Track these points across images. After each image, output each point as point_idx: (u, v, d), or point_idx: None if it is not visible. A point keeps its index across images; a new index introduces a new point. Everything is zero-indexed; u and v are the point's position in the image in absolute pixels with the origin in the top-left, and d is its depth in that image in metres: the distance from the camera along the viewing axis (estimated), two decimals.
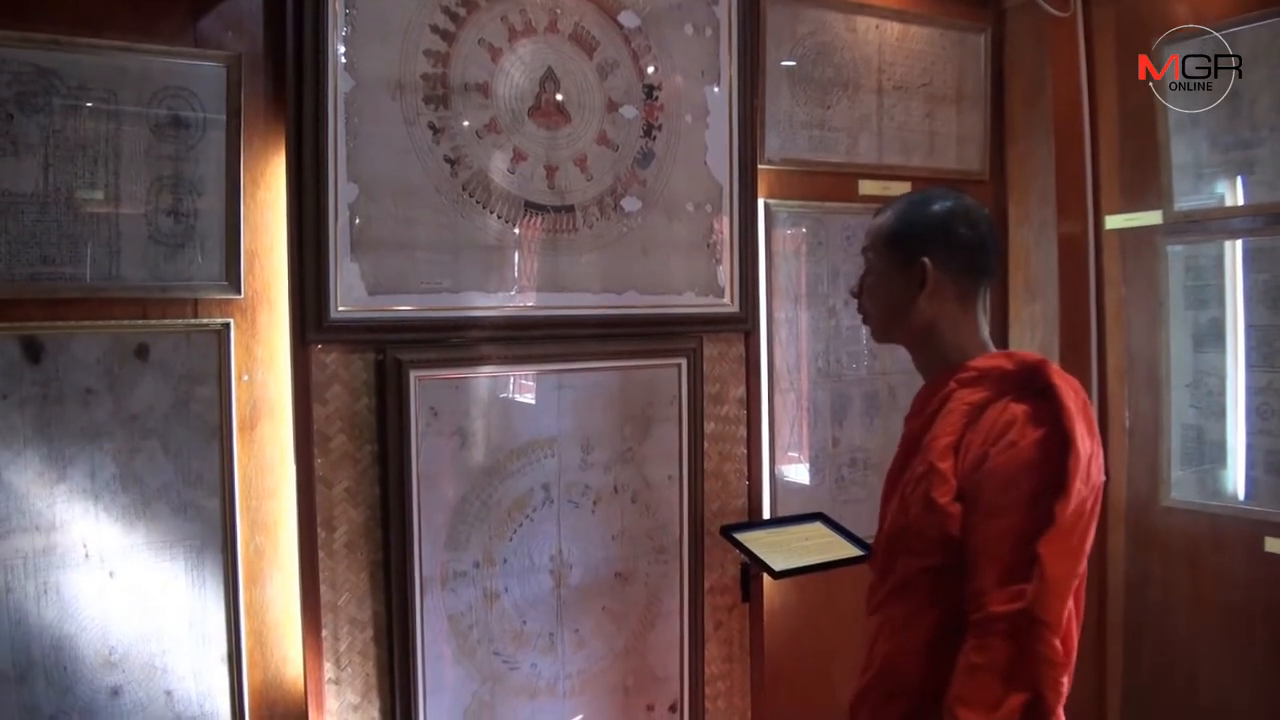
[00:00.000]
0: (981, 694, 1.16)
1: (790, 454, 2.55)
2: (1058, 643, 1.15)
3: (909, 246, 1.39)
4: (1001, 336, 2.88)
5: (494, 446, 2.04)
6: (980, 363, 1.34)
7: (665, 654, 2.26)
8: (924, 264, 1.37)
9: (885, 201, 1.52)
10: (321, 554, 1.88)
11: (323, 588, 1.88)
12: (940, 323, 1.39)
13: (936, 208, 1.40)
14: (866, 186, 2.66)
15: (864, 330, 2.59)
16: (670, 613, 2.26)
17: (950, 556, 1.25)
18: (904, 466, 1.40)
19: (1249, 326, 2.56)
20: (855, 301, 1.52)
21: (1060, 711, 1.19)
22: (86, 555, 1.74)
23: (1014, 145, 2.90)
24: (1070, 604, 1.20)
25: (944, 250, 1.38)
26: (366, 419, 1.92)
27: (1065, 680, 1.16)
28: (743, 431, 2.36)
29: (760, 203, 2.42)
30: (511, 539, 2.07)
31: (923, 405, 1.41)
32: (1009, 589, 1.16)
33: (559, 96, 2.09)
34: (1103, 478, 1.27)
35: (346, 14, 1.86)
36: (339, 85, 1.86)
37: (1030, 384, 1.27)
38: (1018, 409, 1.24)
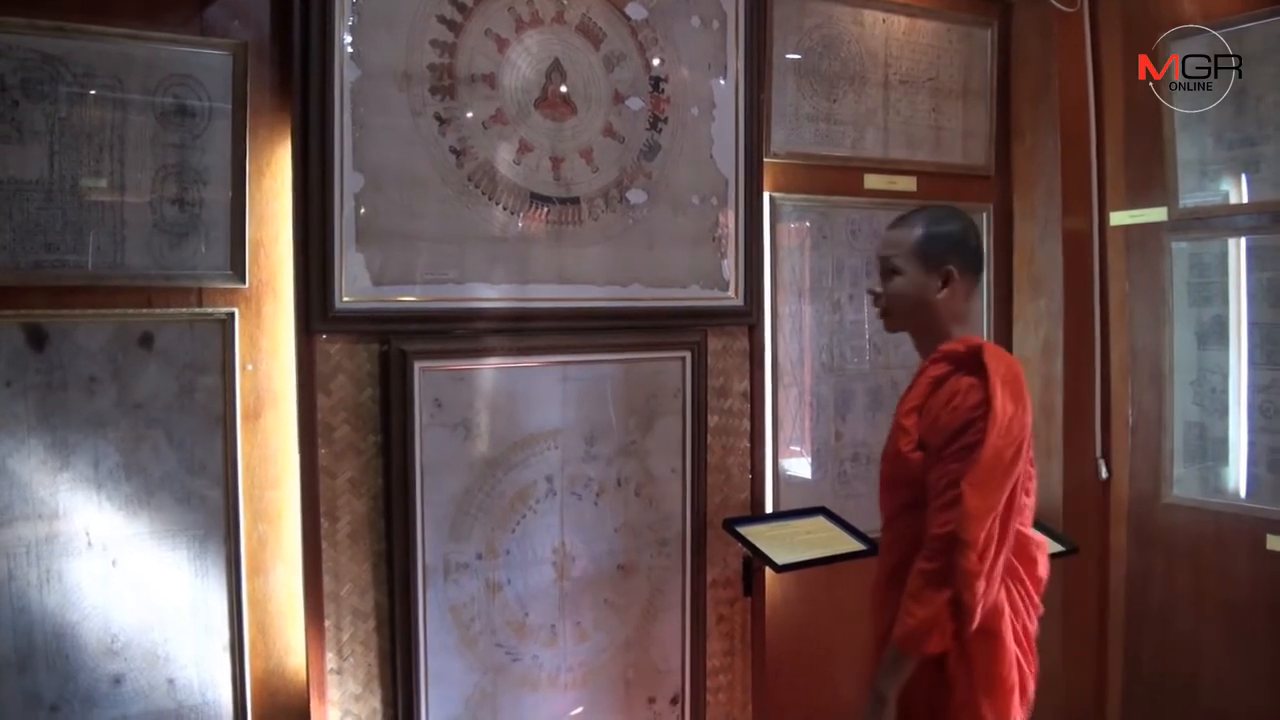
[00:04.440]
0: (921, 591, 1.56)
1: (793, 448, 2.55)
2: (975, 557, 1.52)
3: (936, 256, 1.73)
4: (1006, 332, 2.89)
5: (497, 438, 2.04)
6: (945, 346, 1.70)
7: (667, 647, 2.26)
8: (950, 270, 1.72)
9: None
10: (324, 544, 1.88)
11: (325, 578, 1.88)
12: (950, 314, 1.75)
13: (955, 226, 1.77)
14: (872, 181, 2.65)
15: (868, 325, 2.60)
16: (672, 606, 2.26)
17: (917, 494, 1.64)
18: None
19: (1252, 324, 2.56)
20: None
21: (994, 619, 1.58)
22: (89, 543, 1.74)
23: (1020, 140, 2.90)
24: (993, 527, 1.54)
25: (962, 259, 1.74)
26: (370, 410, 1.92)
27: (980, 585, 1.52)
28: (746, 425, 2.36)
29: (765, 196, 2.42)
30: (514, 531, 2.07)
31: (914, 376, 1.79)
32: (942, 516, 1.56)
33: (565, 88, 2.09)
34: (1026, 434, 1.61)
35: (353, 3, 1.86)
36: (345, 75, 1.85)
37: (974, 361, 1.63)
38: (964, 380, 1.63)
